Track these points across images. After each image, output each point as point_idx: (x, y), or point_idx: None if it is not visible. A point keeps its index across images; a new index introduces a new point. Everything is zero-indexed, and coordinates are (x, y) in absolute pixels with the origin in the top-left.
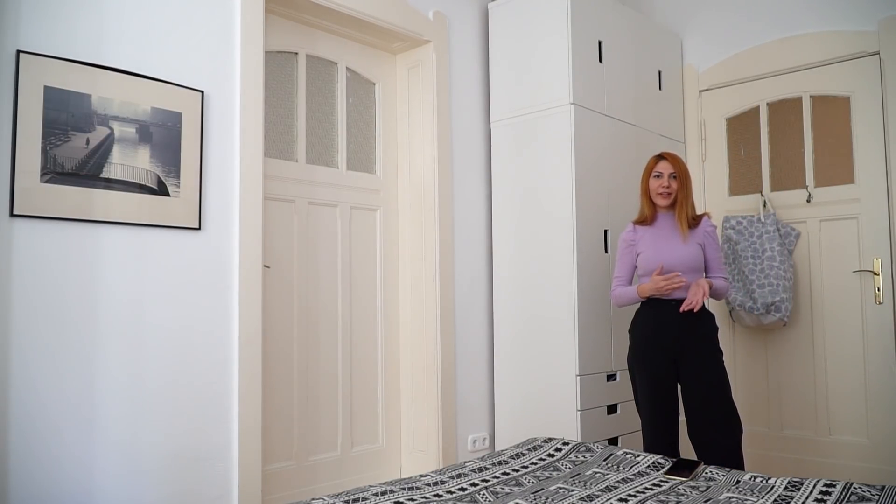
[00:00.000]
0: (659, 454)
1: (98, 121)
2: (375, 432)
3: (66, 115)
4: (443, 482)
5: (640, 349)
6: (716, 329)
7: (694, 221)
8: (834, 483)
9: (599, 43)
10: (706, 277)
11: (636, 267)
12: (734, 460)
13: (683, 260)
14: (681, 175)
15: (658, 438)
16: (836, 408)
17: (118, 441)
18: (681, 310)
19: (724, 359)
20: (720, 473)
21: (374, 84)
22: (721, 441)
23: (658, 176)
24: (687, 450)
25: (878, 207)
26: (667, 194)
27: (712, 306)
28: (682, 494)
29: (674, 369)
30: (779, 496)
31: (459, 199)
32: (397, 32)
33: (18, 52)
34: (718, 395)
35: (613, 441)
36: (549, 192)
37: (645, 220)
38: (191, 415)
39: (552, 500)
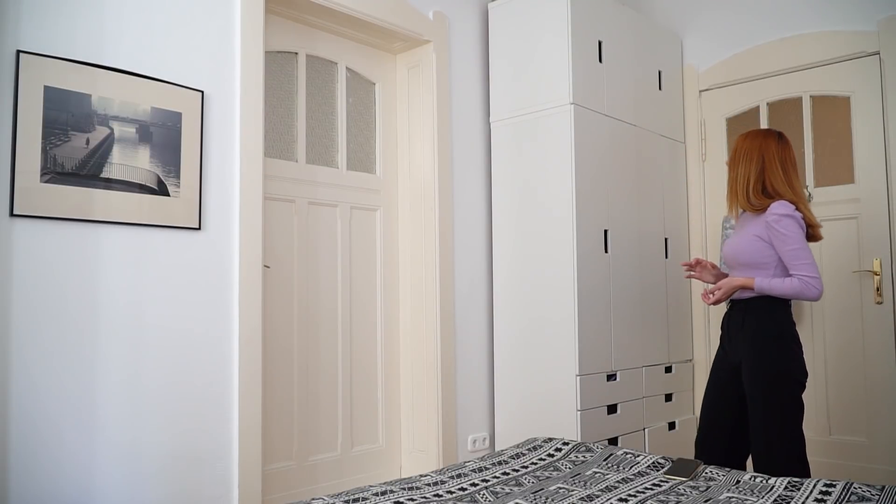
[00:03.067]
0: (704, 456)
1: (98, 121)
2: (375, 432)
3: (66, 115)
4: (443, 482)
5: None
6: (766, 332)
7: (753, 205)
8: (834, 483)
9: (599, 43)
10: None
11: None
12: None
13: (734, 253)
14: (733, 150)
15: (705, 442)
16: (836, 408)
17: (118, 441)
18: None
19: (777, 368)
20: (720, 473)
21: (374, 84)
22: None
23: None
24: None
25: (878, 207)
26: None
27: (710, 311)
28: (682, 494)
29: (735, 376)
30: (779, 496)
31: (459, 199)
32: (397, 32)
33: (18, 52)
34: (755, 419)
35: (613, 441)
36: (549, 192)
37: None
38: (191, 415)
39: (552, 500)
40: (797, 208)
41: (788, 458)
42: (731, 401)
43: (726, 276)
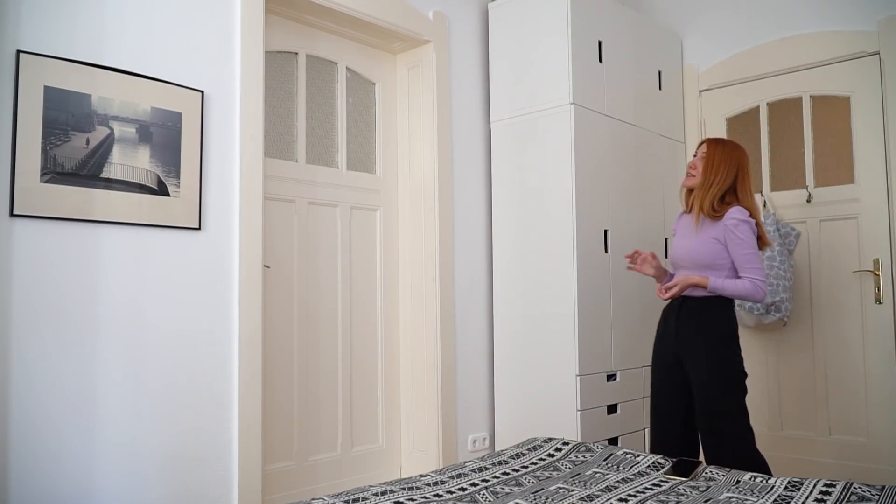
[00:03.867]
0: (660, 455)
1: (98, 121)
2: (375, 432)
3: (66, 115)
4: (443, 482)
5: (654, 346)
6: (718, 330)
7: (715, 212)
8: (834, 483)
9: (599, 43)
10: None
11: None
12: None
13: (687, 254)
14: (710, 158)
15: (660, 440)
16: (836, 408)
17: (118, 441)
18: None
19: (728, 363)
20: (720, 473)
21: (374, 84)
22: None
23: (695, 156)
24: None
25: (878, 207)
26: (690, 175)
27: None
28: (682, 494)
29: (679, 371)
30: (779, 496)
31: (459, 199)
32: (397, 32)
33: (18, 52)
34: (706, 412)
35: (613, 441)
36: (550, 192)
37: (685, 209)
38: (191, 415)
39: (552, 500)
40: (751, 215)
41: (747, 449)
42: (680, 396)
43: (665, 270)
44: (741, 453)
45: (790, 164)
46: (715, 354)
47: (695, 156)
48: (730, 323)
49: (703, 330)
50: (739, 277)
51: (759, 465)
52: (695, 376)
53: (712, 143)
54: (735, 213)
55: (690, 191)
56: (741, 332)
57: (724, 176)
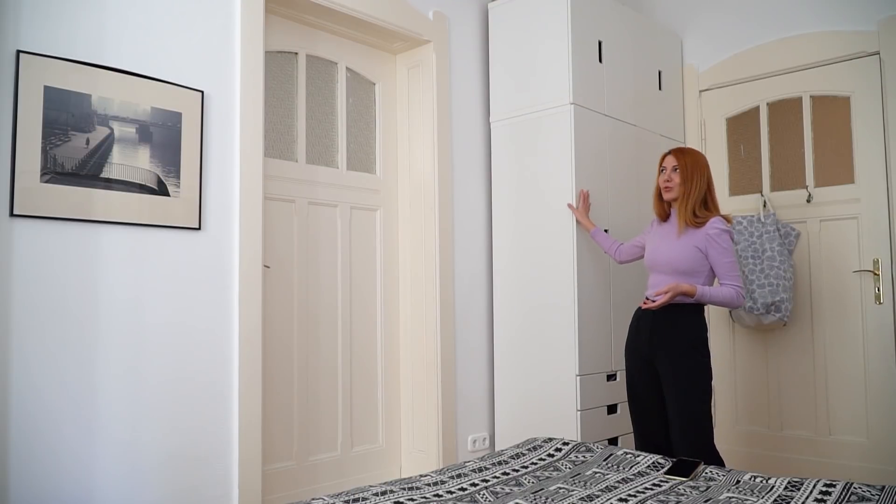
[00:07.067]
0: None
1: (98, 121)
2: (375, 432)
3: (66, 115)
4: (443, 482)
5: (625, 351)
6: (695, 337)
7: (696, 220)
8: (834, 483)
9: (599, 43)
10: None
11: (639, 249)
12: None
13: (669, 260)
14: (683, 168)
15: (643, 439)
16: (836, 408)
17: (118, 440)
18: (642, 307)
19: (702, 369)
20: (720, 473)
21: (374, 84)
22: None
23: (663, 171)
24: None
25: (878, 207)
26: (668, 188)
27: (712, 313)
28: (682, 494)
29: (653, 373)
30: (779, 496)
31: (459, 199)
32: (397, 32)
33: (18, 52)
34: (680, 416)
35: (613, 441)
36: (550, 192)
37: (658, 218)
38: (191, 414)
39: (552, 500)
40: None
41: (710, 447)
42: (659, 399)
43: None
44: (710, 448)
45: (790, 164)
46: (691, 362)
47: (663, 169)
48: (703, 329)
49: (679, 337)
50: (722, 284)
51: (717, 461)
52: (669, 382)
53: (679, 155)
54: (717, 223)
55: (663, 201)
56: (742, 332)
57: (699, 185)
